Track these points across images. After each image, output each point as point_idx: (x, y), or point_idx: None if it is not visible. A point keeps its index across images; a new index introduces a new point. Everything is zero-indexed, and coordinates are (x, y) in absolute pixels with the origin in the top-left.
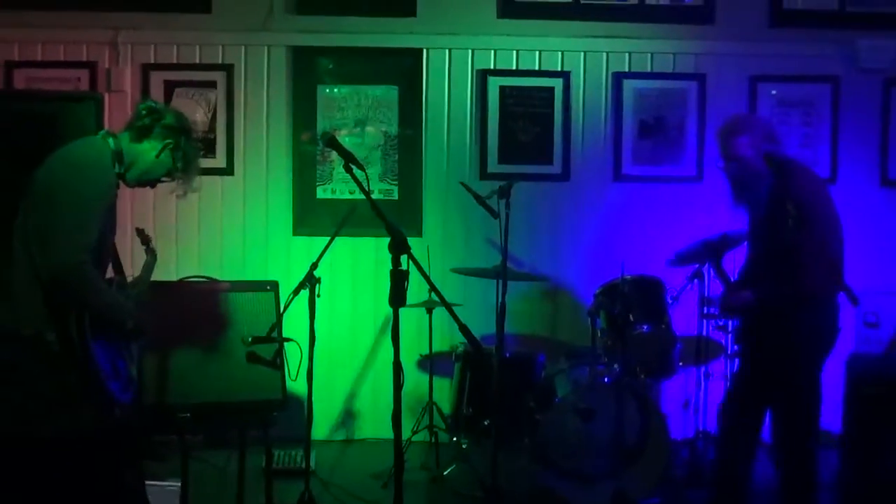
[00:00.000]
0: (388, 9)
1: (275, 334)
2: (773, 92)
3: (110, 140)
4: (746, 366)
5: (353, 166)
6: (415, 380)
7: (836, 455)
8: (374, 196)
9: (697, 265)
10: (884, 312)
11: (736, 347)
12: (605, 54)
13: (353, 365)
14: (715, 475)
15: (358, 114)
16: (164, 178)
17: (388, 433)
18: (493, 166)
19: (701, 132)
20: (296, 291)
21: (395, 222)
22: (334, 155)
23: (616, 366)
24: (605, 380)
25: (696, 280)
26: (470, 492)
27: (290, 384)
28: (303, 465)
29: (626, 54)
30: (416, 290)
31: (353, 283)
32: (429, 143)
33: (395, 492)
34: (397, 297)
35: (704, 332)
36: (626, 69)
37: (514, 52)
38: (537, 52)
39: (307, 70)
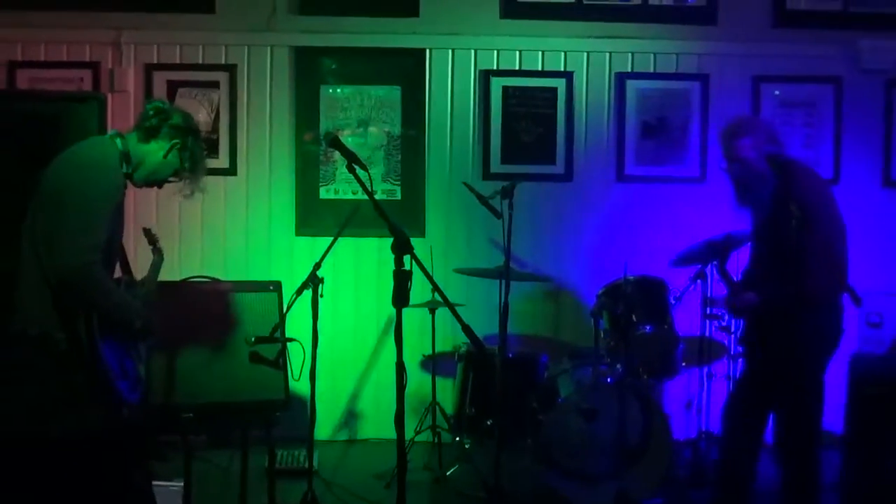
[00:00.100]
0: (391, 9)
1: (278, 334)
2: (776, 92)
3: (118, 140)
4: (750, 367)
5: (356, 166)
6: (418, 380)
7: (839, 455)
8: (376, 196)
9: (700, 266)
10: (887, 313)
11: (740, 349)
12: (607, 55)
13: (356, 365)
14: (718, 476)
15: (361, 114)
16: (171, 179)
17: (391, 433)
18: (496, 166)
19: (704, 133)
20: (299, 291)
21: (398, 222)
22: (337, 155)
23: (619, 366)
24: (608, 380)
25: (698, 280)
26: (473, 492)
27: (292, 384)
28: (306, 465)
29: (629, 55)
30: (418, 290)
31: (356, 284)
32: (432, 143)
33: (398, 492)
34: (400, 297)
35: (707, 333)
36: (629, 69)
37: (517, 53)
38: (540, 53)
39: (310, 70)
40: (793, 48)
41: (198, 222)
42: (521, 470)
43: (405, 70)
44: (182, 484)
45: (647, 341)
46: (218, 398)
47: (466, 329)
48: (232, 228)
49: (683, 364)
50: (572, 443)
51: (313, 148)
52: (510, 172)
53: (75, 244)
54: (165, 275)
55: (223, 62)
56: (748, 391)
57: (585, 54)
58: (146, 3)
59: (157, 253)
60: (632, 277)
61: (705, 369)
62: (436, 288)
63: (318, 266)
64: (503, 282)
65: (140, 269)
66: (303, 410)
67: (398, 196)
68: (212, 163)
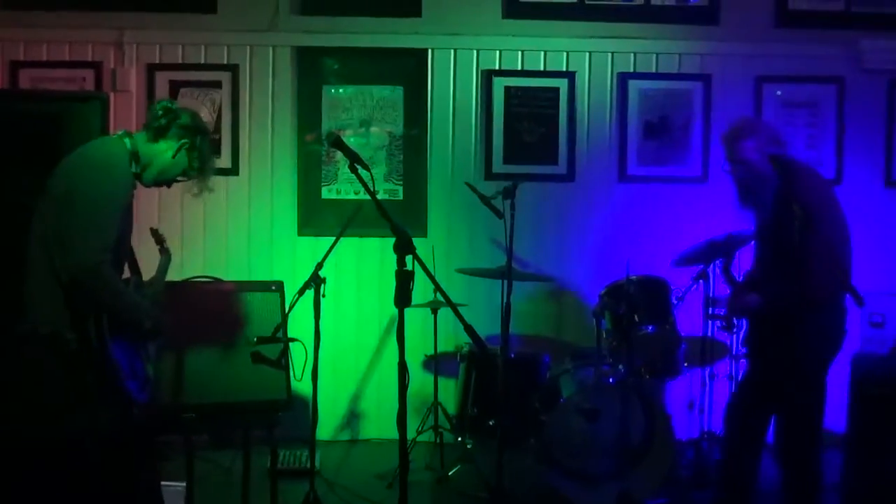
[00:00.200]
0: (393, 9)
1: (280, 334)
2: (779, 92)
3: (127, 140)
4: (753, 368)
5: (358, 166)
6: (420, 380)
7: (841, 455)
8: (379, 196)
9: (702, 266)
10: (889, 313)
11: (742, 349)
12: (610, 55)
13: (358, 365)
14: (720, 476)
15: (363, 114)
16: (179, 178)
17: (393, 433)
18: (498, 166)
19: (706, 133)
20: (301, 291)
21: (400, 222)
22: (339, 155)
23: (621, 366)
24: (610, 380)
25: (701, 280)
26: (475, 492)
27: (294, 384)
28: (308, 465)
29: (632, 55)
30: (421, 290)
31: (359, 284)
32: (434, 143)
33: (399, 492)
34: (402, 297)
35: (709, 333)
36: (632, 69)
37: (519, 53)
38: (542, 53)
39: (312, 70)
40: (795, 48)
41: (200, 222)
42: (524, 470)
43: (407, 70)
44: (184, 484)
45: (650, 341)
46: (220, 398)
47: (469, 329)
48: (234, 228)
49: (685, 364)
50: (574, 443)
51: (315, 148)
52: (512, 172)
53: (86, 244)
54: (168, 275)
55: (225, 62)
56: (751, 392)
57: (588, 54)
58: (148, 3)
59: (165, 253)
60: (634, 277)
61: (707, 369)
62: (438, 288)
63: (320, 266)
64: (505, 282)
65: (145, 270)
66: (305, 410)
67: (400, 196)
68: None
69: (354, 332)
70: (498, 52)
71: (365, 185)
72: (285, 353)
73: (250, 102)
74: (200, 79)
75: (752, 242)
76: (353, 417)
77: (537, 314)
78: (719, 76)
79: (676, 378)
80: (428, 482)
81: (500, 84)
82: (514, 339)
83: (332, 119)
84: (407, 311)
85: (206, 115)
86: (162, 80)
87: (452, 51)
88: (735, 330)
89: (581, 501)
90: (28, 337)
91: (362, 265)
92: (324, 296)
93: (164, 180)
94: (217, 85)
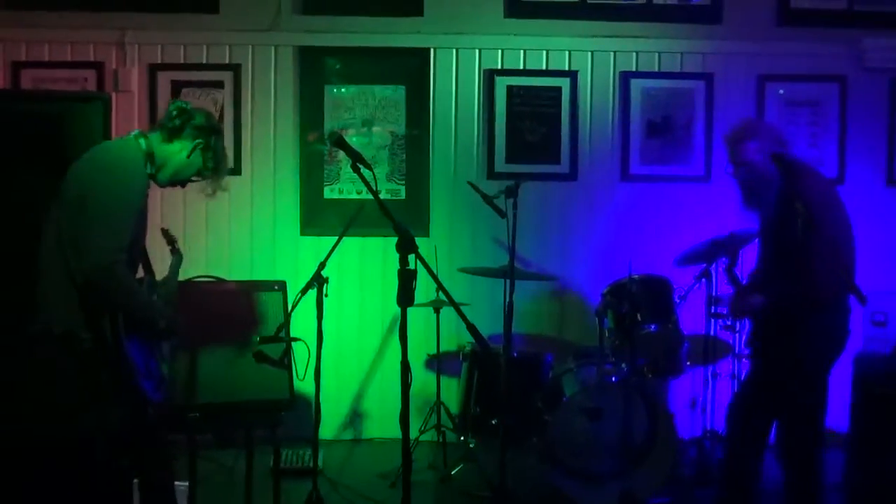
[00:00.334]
0: (395, 9)
1: (282, 334)
2: (781, 91)
3: (141, 141)
4: (756, 367)
5: (360, 166)
6: (422, 379)
7: (843, 455)
8: (381, 196)
9: (705, 264)
10: (892, 311)
11: (745, 348)
12: (612, 54)
13: (361, 364)
14: (723, 476)
15: (365, 113)
16: (194, 178)
17: (396, 433)
18: (501, 166)
19: (708, 132)
20: (303, 291)
21: (403, 222)
22: (342, 155)
23: (623, 365)
24: (613, 379)
25: (703, 279)
26: (478, 491)
27: (297, 384)
28: (311, 464)
29: (634, 54)
30: (423, 289)
31: (361, 283)
32: (436, 142)
33: (402, 491)
34: (405, 296)
35: (712, 332)
36: (634, 69)
37: (522, 52)
38: (544, 52)
39: (314, 70)
40: (797, 47)
41: (202, 222)
42: (526, 469)
43: (409, 70)
44: (187, 484)
45: (652, 340)
46: (223, 398)
47: (471, 328)
48: (236, 228)
49: (688, 363)
50: (577, 442)
51: (318, 147)
52: (514, 172)
53: (101, 245)
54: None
55: (227, 62)
56: (753, 391)
57: (590, 53)
58: (150, 3)
59: (176, 253)
60: (636, 276)
61: (710, 368)
62: (440, 287)
63: (322, 265)
64: (508, 281)
65: (156, 270)
66: (307, 410)
67: (402, 195)
68: None
69: (357, 332)
70: (500, 52)
71: (367, 184)
72: (288, 352)
73: (252, 102)
74: (202, 79)
75: (755, 241)
76: (355, 417)
77: (540, 313)
78: (722, 75)
79: (679, 377)
80: (431, 481)
81: (502, 83)
82: (516, 338)
83: (335, 118)
84: (409, 310)
85: None
86: (164, 81)
87: (454, 50)
88: (738, 329)
89: (583, 500)
90: (41, 337)
91: (365, 265)
92: (326, 295)
93: (179, 181)
94: (219, 85)
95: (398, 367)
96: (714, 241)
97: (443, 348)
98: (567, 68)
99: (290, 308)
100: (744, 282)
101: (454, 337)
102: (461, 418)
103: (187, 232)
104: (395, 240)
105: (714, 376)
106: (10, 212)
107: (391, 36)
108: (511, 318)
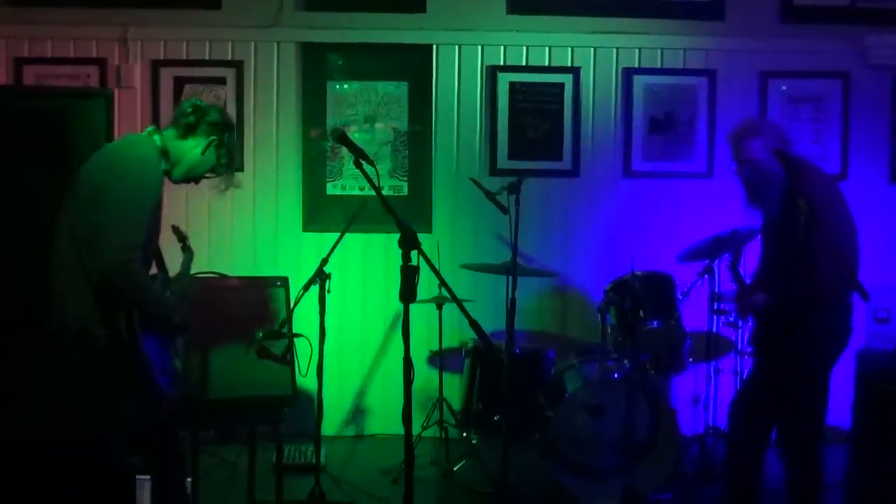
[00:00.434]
0: (397, 5)
1: (285, 330)
2: (784, 88)
3: (156, 137)
4: (759, 365)
5: (363, 162)
6: (425, 375)
7: (846, 452)
8: (383, 192)
9: (707, 261)
10: (895, 308)
11: (747, 345)
12: (615, 50)
13: (364, 361)
14: (725, 473)
15: (367, 110)
16: (207, 175)
17: (399, 429)
18: (503, 162)
19: (711, 128)
20: (306, 287)
21: (405, 218)
22: (344, 151)
23: (626, 362)
24: (615, 376)
25: (706, 276)
26: (480, 487)
27: (300, 380)
28: (313, 460)
29: (637, 50)
30: (425, 285)
31: (364, 279)
32: (438, 139)
33: (405, 487)
34: (407, 292)
35: (714, 328)
36: (637, 65)
37: (524, 48)
38: (547, 48)
39: (317, 66)
40: (800, 43)
41: (205, 218)
42: (529, 465)
43: (412, 66)
44: (189, 479)
45: (655, 337)
46: (225, 394)
47: (474, 324)
48: (239, 224)
49: (691, 359)
50: (579, 438)
51: (320, 144)
52: (517, 168)
53: (118, 242)
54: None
55: (230, 58)
56: (756, 389)
57: (592, 50)
58: None
59: (187, 250)
60: (639, 273)
61: (712, 365)
62: (443, 283)
63: (325, 262)
64: (510, 277)
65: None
66: (310, 406)
67: (405, 192)
68: None
69: (359, 328)
70: (502, 48)
71: (370, 180)
72: (290, 348)
73: (255, 98)
74: (205, 75)
75: (758, 238)
76: (358, 413)
77: (542, 310)
78: (724, 71)
79: (681, 373)
80: (433, 477)
81: (504, 80)
82: (518, 334)
83: (337, 115)
84: (412, 306)
85: None
86: (166, 77)
87: (457, 46)
88: (740, 326)
89: (586, 497)
90: (58, 334)
91: (367, 261)
92: (329, 291)
93: (193, 177)
94: (222, 81)
95: (400, 363)
96: (716, 237)
97: (445, 345)
98: (570, 64)
99: (292, 304)
100: (747, 279)
101: (456, 333)
102: (463, 414)
103: (190, 228)
104: (397, 236)
105: (717, 373)
106: (12, 208)
107: (393, 32)
108: (513, 315)
